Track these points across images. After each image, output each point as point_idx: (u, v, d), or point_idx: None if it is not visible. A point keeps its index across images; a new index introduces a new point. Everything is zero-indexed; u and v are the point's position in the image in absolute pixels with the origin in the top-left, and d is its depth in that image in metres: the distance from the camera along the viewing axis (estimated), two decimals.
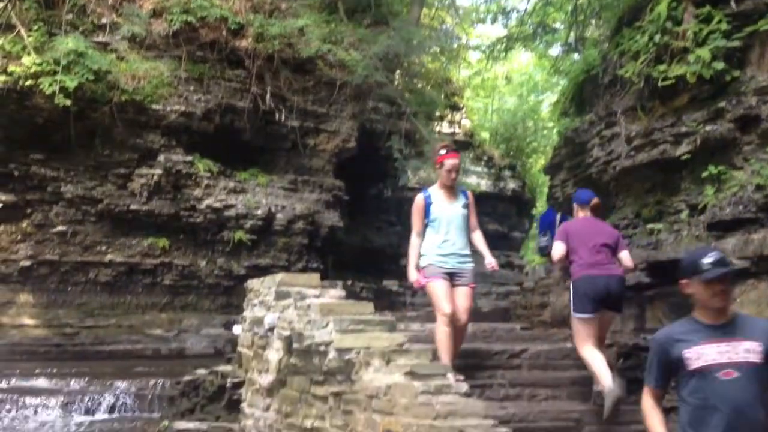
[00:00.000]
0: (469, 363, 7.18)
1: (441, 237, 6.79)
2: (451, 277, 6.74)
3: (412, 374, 5.28)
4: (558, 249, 6.83)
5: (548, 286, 9.24)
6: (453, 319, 6.61)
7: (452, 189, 6.94)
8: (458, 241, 6.82)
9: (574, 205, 7.21)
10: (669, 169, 8.30)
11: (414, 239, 6.92)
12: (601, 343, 6.79)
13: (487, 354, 7.40)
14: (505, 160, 24.51)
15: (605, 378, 6.36)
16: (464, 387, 5.16)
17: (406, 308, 12.78)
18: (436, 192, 6.95)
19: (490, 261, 6.95)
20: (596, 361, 6.48)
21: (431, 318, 9.30)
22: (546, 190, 15.20)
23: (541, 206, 23.16)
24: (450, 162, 6.83)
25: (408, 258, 6.95)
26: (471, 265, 6.89)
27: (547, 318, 9.01)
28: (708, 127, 7.79)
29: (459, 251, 6.81)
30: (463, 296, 6.74)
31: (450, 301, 6.62)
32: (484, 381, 6.89)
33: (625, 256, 6.91)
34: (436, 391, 5.06)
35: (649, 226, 8.21)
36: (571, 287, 6.79)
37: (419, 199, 6.95)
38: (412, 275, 6.86)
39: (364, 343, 5.64)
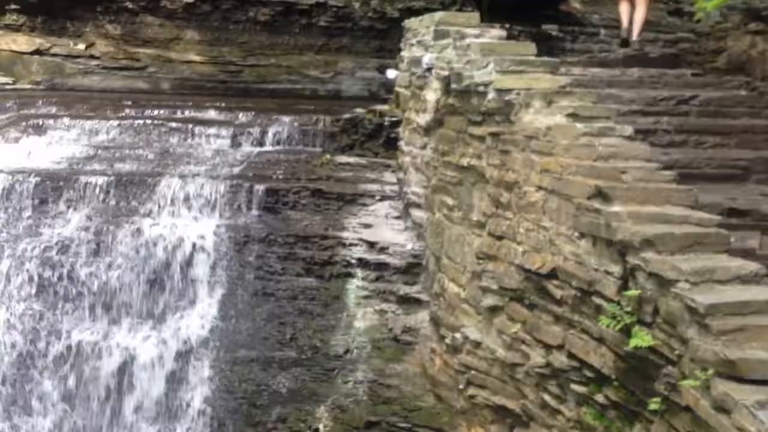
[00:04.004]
0: (633, 108, 6.96)
1: None
2: None
3: (574, 116, 5.19)
4: None
5: (726, 30, 8.54)
6: None
7: None
8: None
9: None
10: None
11: None
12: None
13: (653, 100, 7.12)
14: None
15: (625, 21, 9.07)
16: (629, 130, 5.03)
17: (566, 54, 12.24)
18: None
19: None
20: (624, 14, 9.07)
21: (593, 63, 8.96)
22: None
23: None
24: None
25: None
26: None
27: (721, 64, 8.42)
28: None
29: None
30: None
31: None
32: (648, 126, 6.67)
33: None
34: (598, 133, 4.98)
35: None
36: None
37: None
38: None
39: (525, 84, 5.54)
